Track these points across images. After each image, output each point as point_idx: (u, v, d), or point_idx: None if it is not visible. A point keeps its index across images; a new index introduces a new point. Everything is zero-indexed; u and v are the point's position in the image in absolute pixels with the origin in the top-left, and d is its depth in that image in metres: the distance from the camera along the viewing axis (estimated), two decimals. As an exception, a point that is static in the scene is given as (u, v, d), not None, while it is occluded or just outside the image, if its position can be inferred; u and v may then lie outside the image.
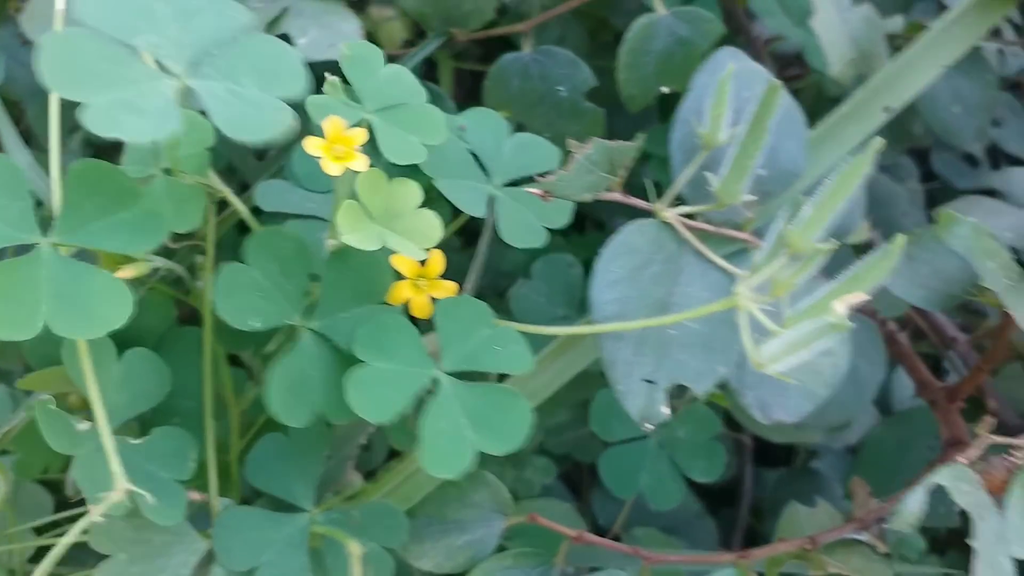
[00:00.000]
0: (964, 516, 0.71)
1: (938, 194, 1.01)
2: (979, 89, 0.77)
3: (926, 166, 1.02)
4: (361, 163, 0.32)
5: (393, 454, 0.58)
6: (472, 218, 0.41)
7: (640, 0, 0.73)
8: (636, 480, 0.52)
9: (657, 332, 0.40)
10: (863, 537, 0.47)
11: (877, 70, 0.50)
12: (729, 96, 0.41)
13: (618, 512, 0.67)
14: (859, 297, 0.32)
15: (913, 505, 0.34)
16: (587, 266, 0.71)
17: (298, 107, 0.33)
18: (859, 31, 0.50)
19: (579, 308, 0.62)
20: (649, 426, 0.39)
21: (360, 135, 0.33)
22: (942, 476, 0.35)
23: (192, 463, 0.39)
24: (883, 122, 0.47)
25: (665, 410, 0.39)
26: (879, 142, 0.34)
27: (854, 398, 0.51)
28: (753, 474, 0.91)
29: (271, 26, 0.45)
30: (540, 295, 0.77)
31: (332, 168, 0.32)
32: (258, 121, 0.31)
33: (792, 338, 0.32)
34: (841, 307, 0.32)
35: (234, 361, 0.50)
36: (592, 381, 0.74)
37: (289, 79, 0.33)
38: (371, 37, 0.96)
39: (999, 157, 1.03)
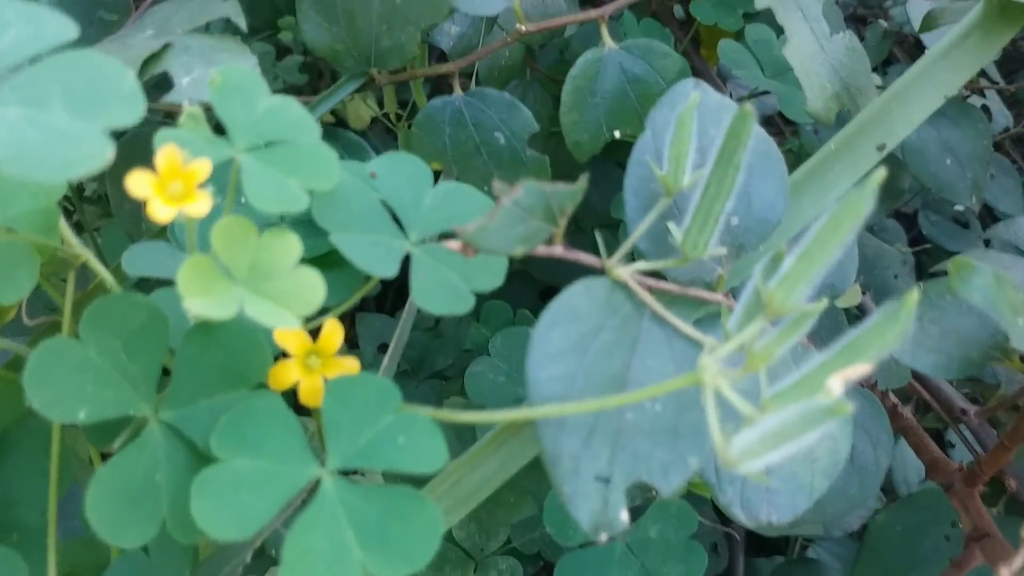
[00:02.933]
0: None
1: (928, 257, 0.95)
2: (971, 140, 0.72)
3: (914, 230, 0.97)
4: (201, 205, 0.25)
5: None
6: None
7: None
8: (601, 594, 0.43)
9: (612, 417, 0.32)
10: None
11: (864, 106, 0.44)
12: (693, 132, 0.34)
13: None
14: (862, 370, 0.25)
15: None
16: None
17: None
18: (841, 61, 0.43)
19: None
20: (604, 537, 0.30)
21: (202, 168, 0.25)
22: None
23: (20, 593, 0.30)
24: (876, 163, 0.40)
25: (624, 516, 0.31)
26: (881, 173, 0.27)
27: (857, 487, 0.43)
28: (745, 565, 0.82)
29: (149, 64, 0.38)
30: (499, 374, 0.69)
31: (161, 212, 0.24)
32: (58, 155, 0.23)
33: (773, 427, 0.24)
34: (838, 384, 0.24)
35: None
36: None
37: (119, 107, 0.25)
38: (337, 116, 0.90)
39: (987, 217, 0.98)
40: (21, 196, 0.32)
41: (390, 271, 0.33)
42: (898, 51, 0.98)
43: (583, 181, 0.33)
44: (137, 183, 0.24)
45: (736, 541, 0.82)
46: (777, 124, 1.05)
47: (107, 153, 0.24)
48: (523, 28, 0.41)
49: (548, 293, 0.87)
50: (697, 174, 0.34)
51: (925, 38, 0.61)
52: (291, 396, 0.32)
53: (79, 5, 0.44)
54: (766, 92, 0.80)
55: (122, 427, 0.37)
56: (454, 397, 0.75)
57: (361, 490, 0.28)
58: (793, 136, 0.92)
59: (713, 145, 0.34)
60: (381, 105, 0.69)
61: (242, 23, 0.37)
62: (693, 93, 0.35)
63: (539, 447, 0.34)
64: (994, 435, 0.60)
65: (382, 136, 0.96)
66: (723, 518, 0.73)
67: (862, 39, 0.66)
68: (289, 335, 0.31)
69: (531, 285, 0.88)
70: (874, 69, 0.90)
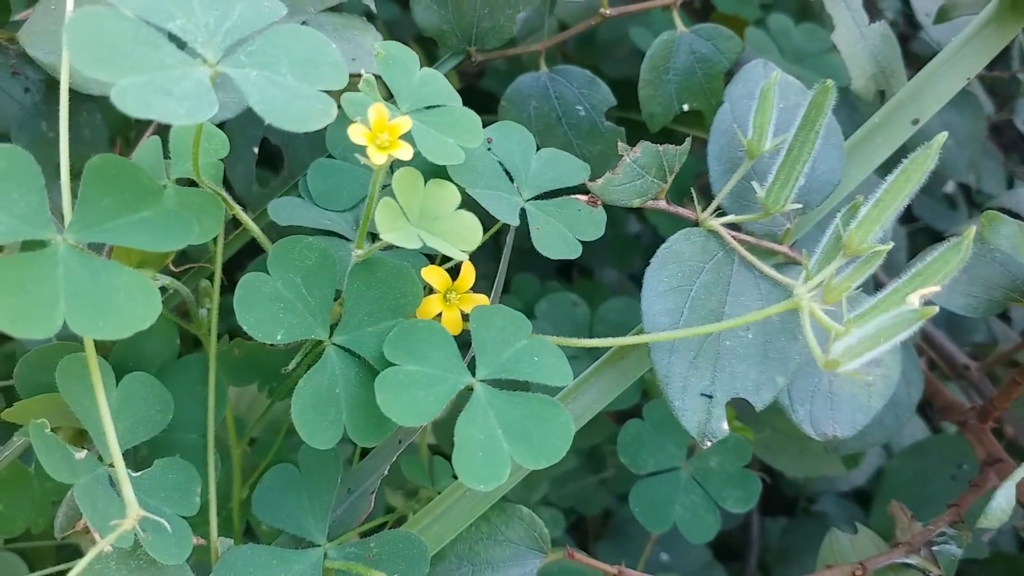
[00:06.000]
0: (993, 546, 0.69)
1: (919, 236, 1.02)
2: (969, 122, 0.78)
3: (906, 210, 1.03)
4: (406, 152, 0.30)
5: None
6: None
7: (628, 47, 0.73)
8: (669, 513, 0.49)
9: (712, 343, 0.37)
10: (913, 561, 0.44)
11: (897, 86, 0.50)
12: (774, 104, 0.40)
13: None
14: (933, 289, 0.31)
15: (1003, 501, 0.31)
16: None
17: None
18: (878, 47, 0.49)
19: (588, 350, 0.59)
20: (708, 443, 0.36)
21: (404, 123, 0.30)
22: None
23: (197, 498, 0.35)
24: (911, 134, 0.46)
25: (724, 426, 0.37)
26: (943, 136, 0.33)
27: (893, 418, 0.49)
28: (760, 523, 0.88)
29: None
30: (546, 335, 0.75)
31: (377, 157, 0.29)
32: (301, 110, 0.28)
33: (870, 331, 0.30)
34: (916, 299, 0.30)
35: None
36: (600, 427, 0.71)
37: (329, 72, 0.30)
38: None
39: (973, 200, 1.05)
40: (200, 151, 0.36)
41: (514, 220, 0.39)
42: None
43: (687, 144, 0.38)
44: (356, 133, 0.29)
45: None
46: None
47: (333, 111, 0.29)
48: (607, 12, 0.47)
49: (565, 268, 0.92)
50: (777, 139, 0.40)
51: (936, 29, 0.67)
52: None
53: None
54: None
55: (257, 371, 0.42)
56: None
57: (506, 396, 0.34)
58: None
59: (781, 116, 0.40)
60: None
61: (372, 5, 0.42)
62: (771, 72, 0.40)
63: (639, 374, 0.40)
64: (991, 388, 0.67)
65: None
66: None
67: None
68: (434, 273, 0.37)
69: (550, 260, 0.92)
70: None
